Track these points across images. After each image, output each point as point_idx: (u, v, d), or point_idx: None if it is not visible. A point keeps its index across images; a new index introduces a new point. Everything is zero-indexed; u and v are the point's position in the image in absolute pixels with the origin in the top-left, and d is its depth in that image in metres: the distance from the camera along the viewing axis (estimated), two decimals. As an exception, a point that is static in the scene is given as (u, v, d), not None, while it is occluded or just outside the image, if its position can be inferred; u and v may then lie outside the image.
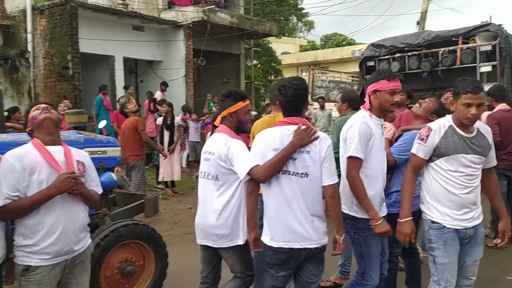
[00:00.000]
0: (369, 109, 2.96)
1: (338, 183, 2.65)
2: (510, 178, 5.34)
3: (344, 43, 37.12)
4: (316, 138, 2.56)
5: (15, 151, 2.41)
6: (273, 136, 2.62)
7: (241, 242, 2.84)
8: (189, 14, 12.23)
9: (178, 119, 8.47)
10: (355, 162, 2.83)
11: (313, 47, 35.86)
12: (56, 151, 2.49)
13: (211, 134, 3.34)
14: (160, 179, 8.43)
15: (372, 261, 2.92)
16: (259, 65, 21.24)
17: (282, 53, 27.02)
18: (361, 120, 2.89)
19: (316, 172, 2.55)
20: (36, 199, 2.35)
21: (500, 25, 8.28)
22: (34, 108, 2.57)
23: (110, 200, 4.24)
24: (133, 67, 13.54)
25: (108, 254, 3.47)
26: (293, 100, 2.64)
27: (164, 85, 11.36)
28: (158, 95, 11.05)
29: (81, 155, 2.66)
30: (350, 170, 2.85)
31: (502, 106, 5.36)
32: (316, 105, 11.35)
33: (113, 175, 3.89)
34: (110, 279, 3.48)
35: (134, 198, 4.43)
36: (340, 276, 4.29)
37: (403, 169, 3.19)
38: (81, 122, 4.35)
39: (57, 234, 2.40)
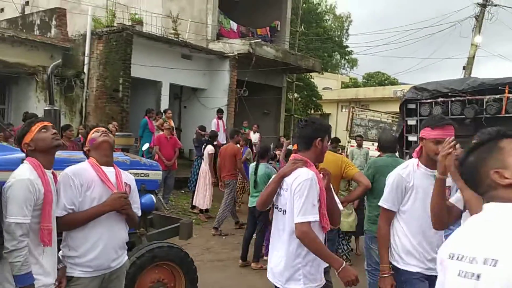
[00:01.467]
0: (419, 157, 2.82)
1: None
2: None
3: (386, 82, 37.00)
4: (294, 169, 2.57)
5: (74, 167, 2.62)
6: None
7: None
8: (236, 46, 12.68)
9: (209, 148, 8.62)
10: (383, 212, 2.88)
11: (355, 84, 35.95)
12: (109, 171, 2.70)
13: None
14: (197, 204, 8.63)
15: None
16: (299, 99, 21.50)
17: (323, 88, 27.25)
18: (398, 172, 2.84)
19: (291, 209, 2.53)
20: (90, 213, 2.55)
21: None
22: (94, 130, 2.79)
23: (148, 221, 4.42)
24: (178, 93, 14.07)
25: (142, 273, 3.61)
26: (301, 135, 2.68)
27: (220, 113, 11.61)
28: (214, 123, 11.35)
29: (129, 178, 2.86)
30: (379, 219, 2.91)
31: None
32: (354, 143, 11.35)
33: (153, 198, 4.07)
34: (142, 297, 3.61)
35: (170, 221, 4.59)
36: None
37: None
38: (129, 145, 4.60)
39: (99, 249, 2.58)
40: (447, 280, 1.41)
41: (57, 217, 2.47)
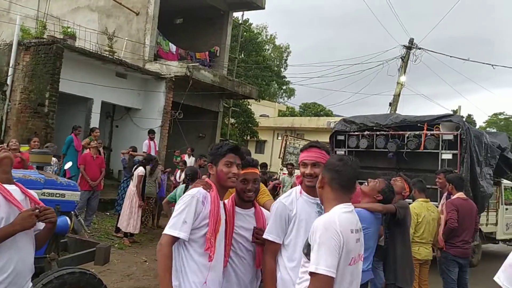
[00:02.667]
0: (301, 184, 2.71)
1: None
2: (462, 265, 5.49)
3: (322, 113, 38.42)
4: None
5: None
6: None
7: None
8: (173, 68, 12.60)
9: (140, 170, 8.39)
10: (268, 245, 2.63)
11: (291, 113, 36.96)
12: (12, 189, 2.51)
13: None
14: (121, 227, 8.27)
15: None
16: (236, 124, 21.69)
17: (260, 115, 27.72)
18: (280, 200, 2.69)
19: None
20: None
21: (461, 117, 8.82)
22: None
23: (62, 245, 4.16)
24: (110, 111, 13.65)
25: (49, 302, 3.36)
26: None
27: (151, 133, 11.30)
28: (145, 144, 11.04)
29: (33, 194, 2.68)
30: (264, 253, 2.66)
31: (460, 194, 5.61)
32: (285, 170, 11.57)
33: (68, 220, 3.85)
34: (47, 328, 3.35)
35: (87, 245, 4.35)
36: None
37: None
38: (45, 162, 4.35)
39: (7, 274, 2.36)
40: None
41: None
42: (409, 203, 5.09)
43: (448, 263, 5.45)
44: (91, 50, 11.09)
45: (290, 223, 2.60)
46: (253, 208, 2.81)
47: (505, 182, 10.44)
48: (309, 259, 2.09)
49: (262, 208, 2.91)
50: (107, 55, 11.41)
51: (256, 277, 2.77)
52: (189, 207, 2.38)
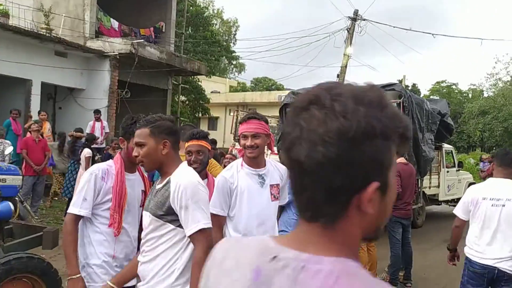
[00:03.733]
0: (242, 156, 2.78)
1: None
2: (405, 226, 5.82)
3: (273, 87, 38.64)
4: None
5: None
6: None
7: None
8: (117, 45, 12.16)
9: (86, 152, 8.17)
10: (212, 218, 2.54)
11: (243, 88, 36.90)
12: None
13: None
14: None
15: None
16: (187, 102, 21.38)
17: (211, 92, 27.48)
18: (222, 173, 2.77)
19: None
20: None
21: (409, 87, 9.15)
22: None
23: (7, 231, 4.02)
24: (52, 93, 13.04)
25: (-5, 289, 3.27)
26: None
27: (96, 113, 10.99)
28: (89, 126, 10.74)
29: None
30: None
31: (402, 159, 5.90)
32: (238, 146, 11.60)
33: (11, 205, 3.72)
34: (-5, 316, 3.27)
35: (33, 230, 4.23)
36: None
37: (287, 210, 3.40)
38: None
39: None
40: (480, 210, 3.39)
41: None
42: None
43: (392, 224, 5.75)
44: (26, 29, 10.46)
45: (233, 196, 2.67)
46: (206, 179, 2.89)
47: (445, 146, 11.02)
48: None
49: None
50: (44, 33, 10.82)
51: None
52: (88, 183, 2.43)
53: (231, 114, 27.99)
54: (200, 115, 23.59)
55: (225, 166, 5.36)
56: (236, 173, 2.71)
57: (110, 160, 2.61)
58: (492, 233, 3.41)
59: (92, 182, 2.43)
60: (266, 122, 2.72)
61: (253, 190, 2.67)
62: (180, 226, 2.05)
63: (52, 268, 3.69)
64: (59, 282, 3.71)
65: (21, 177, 4.01)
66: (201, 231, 2.02)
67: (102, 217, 2.47)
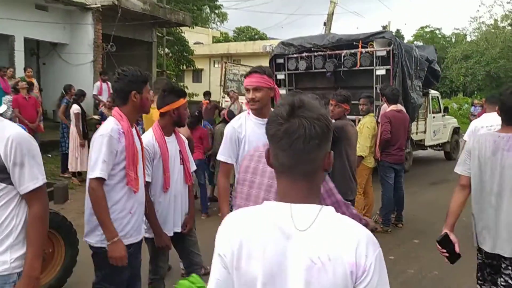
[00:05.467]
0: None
1: None
2: (397, 171, 6.08)
3: (256, 37, 37.93)
4: None
5: None
6: None
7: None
8: (99, -3, 11.76)
9: (74, 108, 8.16)
10: (221, 166, 2.87)
11: (226, 39, 36.14)
12: None
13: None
14: (70, 168, 8.18)
15: None
16: (171, 54, 20.99)
17: (194, 43, 26.90)
18: (231, 123, 2.89)
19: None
20: None
21: (393, 33, 9.18)
22: None
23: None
24: (34, 48, 12.70)
25: (16, 243, 3.41)
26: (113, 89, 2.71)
27: (103, 75, 10.86)
28: (96, 86, 10.76)
29: None
30: (218, 174, 2.93)
31: (394, 106, 6.06)
32: (227, 98, 11.62)
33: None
34: (17, 267, 3.43)
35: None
36: None
37: None
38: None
39: None
40: (478, 134, 3.78)
41: None
42: (353, 120, 5.49)
43: (385, 170, 6.01)
44: (4, -19, 10.03)
45: (241, 145, 2.79)
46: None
47: (432, 92, 11.24)
48: None
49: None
50: (23, -14, 10.40)
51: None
52: (105, 146, 2.43)
53: (216, 65, 27.62)
54: (185, 67, 23.26)
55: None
56: (244, 123, 2.81)
57: (112, 118, 2.57)
58: None
59: (109, 144, 2.44)
60: (270, 75, 2.77)
61: (261, 139, 2.63)
62: (11, 183, 1.90)
63: (67, 221, 3.85)
64: (75, 234, 3.88)
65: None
66: (40, 186, 1.94)
67: (118, 176, 2.51)
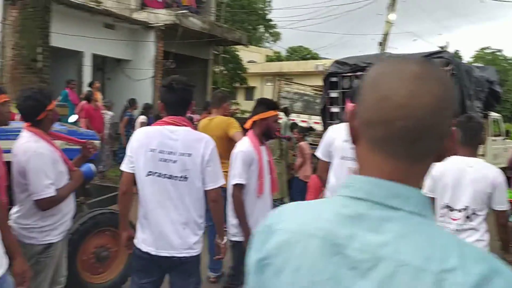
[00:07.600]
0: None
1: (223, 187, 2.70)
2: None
3: (308, 56, 38.12)
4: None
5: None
6: (150, 136, 2.49)
7: None
8: (162, 16, 12.42)
9: (142, 118, 8.62)
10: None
11: (278, 58, 36.62)
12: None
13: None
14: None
15: None
16: (225, 72, 21.59)
17: (248, 61, 27.46)
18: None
19: (196, 176, 2.44)
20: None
21: (452, 53, 9.00)
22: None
23: (86, 190, 4.42)
24: (100, 64, 13.54)
25: (85, 240, 3.68)
26: (179, 98, 2.55)
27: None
28: None
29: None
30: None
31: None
32: (282, 115, 11.79)
33: (93, 167, 4.09)
34: (86, 262, 3.70)
35: (107, 190, 4.63)
36: None
37: None
38: (63, 115, 4.52)
39: (70, 215, 2.98)
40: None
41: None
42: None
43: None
44: (78, 2, 10.86)
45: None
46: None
47: (492, 114, 10.82)
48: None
49: None
50: (94, 6, 11.19)
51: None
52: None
53: (268, 84, 27.95)
54: (238, 84, 23.77)
55: None
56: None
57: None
58: None
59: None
60: None
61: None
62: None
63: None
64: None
65: (99, 141, 4.37)
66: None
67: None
